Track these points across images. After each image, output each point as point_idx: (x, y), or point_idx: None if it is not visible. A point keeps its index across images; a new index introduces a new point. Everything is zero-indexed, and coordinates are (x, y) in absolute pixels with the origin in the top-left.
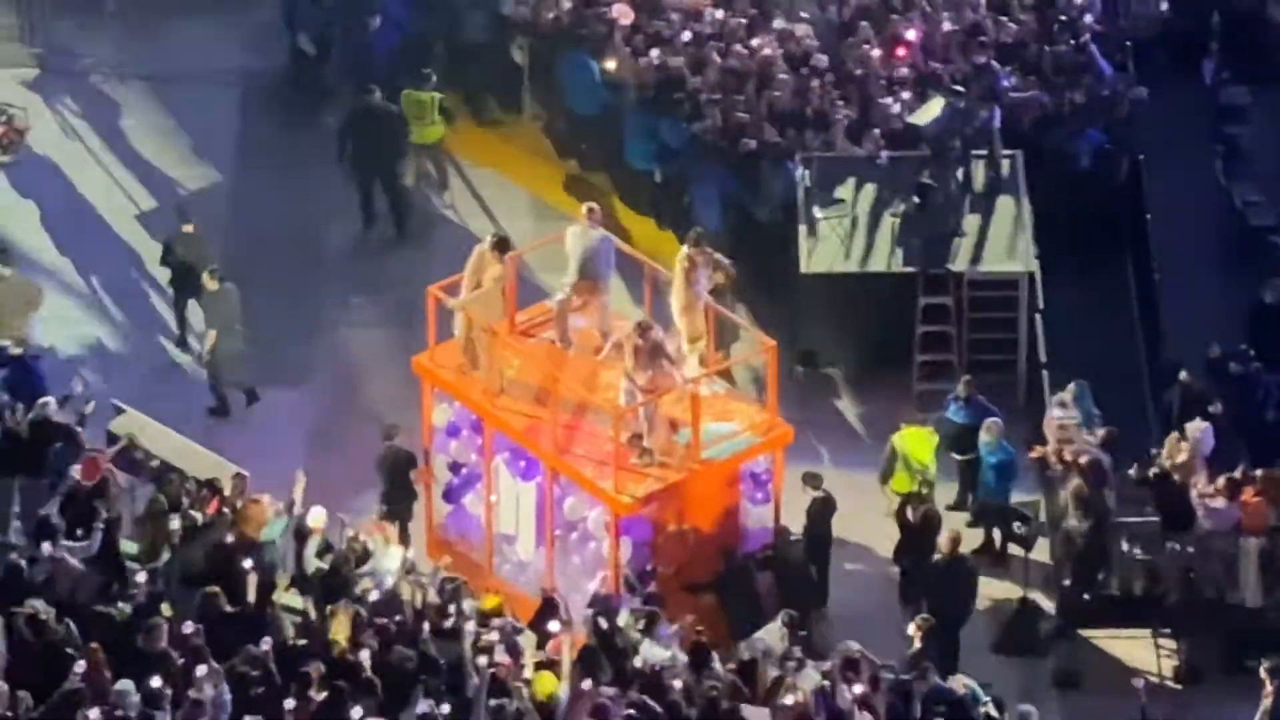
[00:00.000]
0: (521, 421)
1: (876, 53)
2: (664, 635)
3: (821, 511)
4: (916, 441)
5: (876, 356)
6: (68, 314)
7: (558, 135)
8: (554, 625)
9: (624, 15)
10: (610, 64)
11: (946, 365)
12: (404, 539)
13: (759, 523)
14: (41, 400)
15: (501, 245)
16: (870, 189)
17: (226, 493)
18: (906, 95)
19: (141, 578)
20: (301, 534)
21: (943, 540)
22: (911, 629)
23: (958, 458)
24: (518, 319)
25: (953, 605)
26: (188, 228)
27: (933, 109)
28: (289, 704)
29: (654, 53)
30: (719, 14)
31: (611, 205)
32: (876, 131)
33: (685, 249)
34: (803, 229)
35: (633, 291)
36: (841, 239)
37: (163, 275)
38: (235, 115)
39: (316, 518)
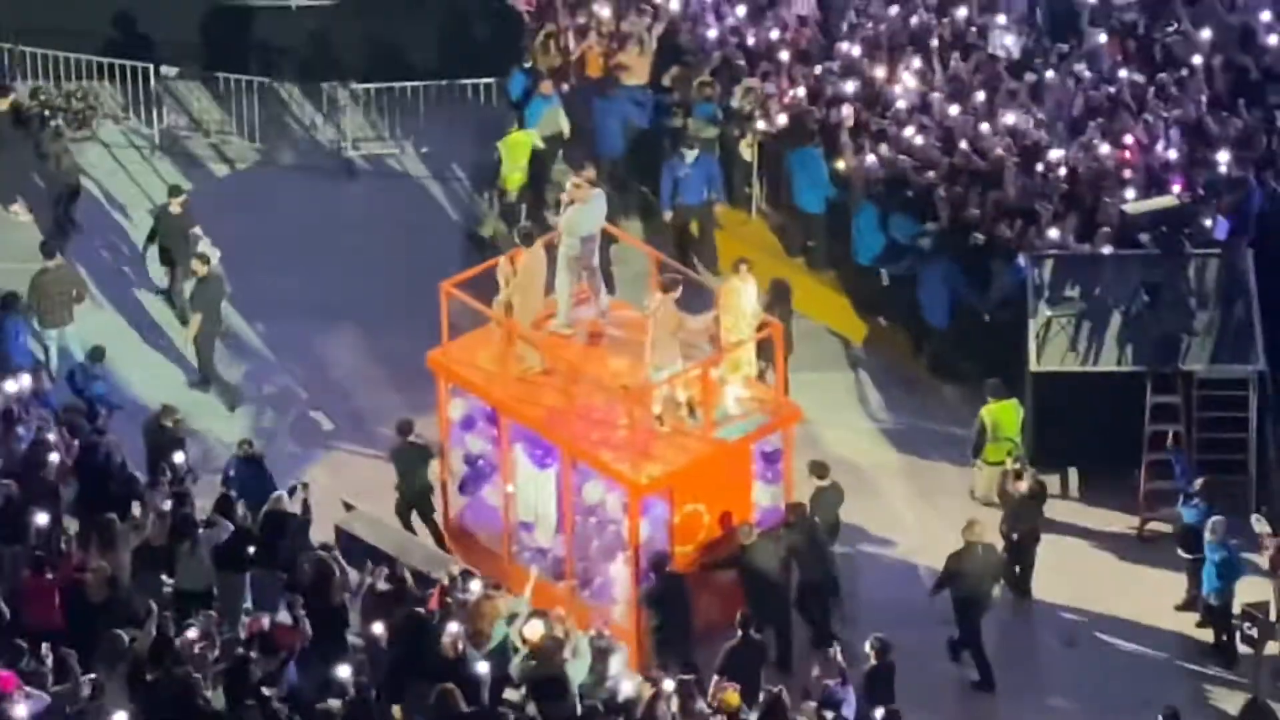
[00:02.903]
0: (536, 411)
1: (1105, 150)
2: None
3: (828, 501)
4: (1005, 413)
5: (1106, 455)
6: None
7: (785, 232)
8: None
9: (850, 114)
10: (839, 162)
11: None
12: (436, 536)
13: (771, 501)
14: (275, 494)
15: (528, 238)
16: (1099, 287)
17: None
18: (1133, 193)
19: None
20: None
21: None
22: (868, 647)
23: (1186, 556)
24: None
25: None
26: (175, 206)
27: (1156, 203)
28: None
29: (882, 149)
30: (951, 109)
31: (839, 302)
32: (1105, 229)
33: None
34: (1032, 327)
35: None
36: (1071, 337)
37: (152, 254)
38: None
39: (534, 630)
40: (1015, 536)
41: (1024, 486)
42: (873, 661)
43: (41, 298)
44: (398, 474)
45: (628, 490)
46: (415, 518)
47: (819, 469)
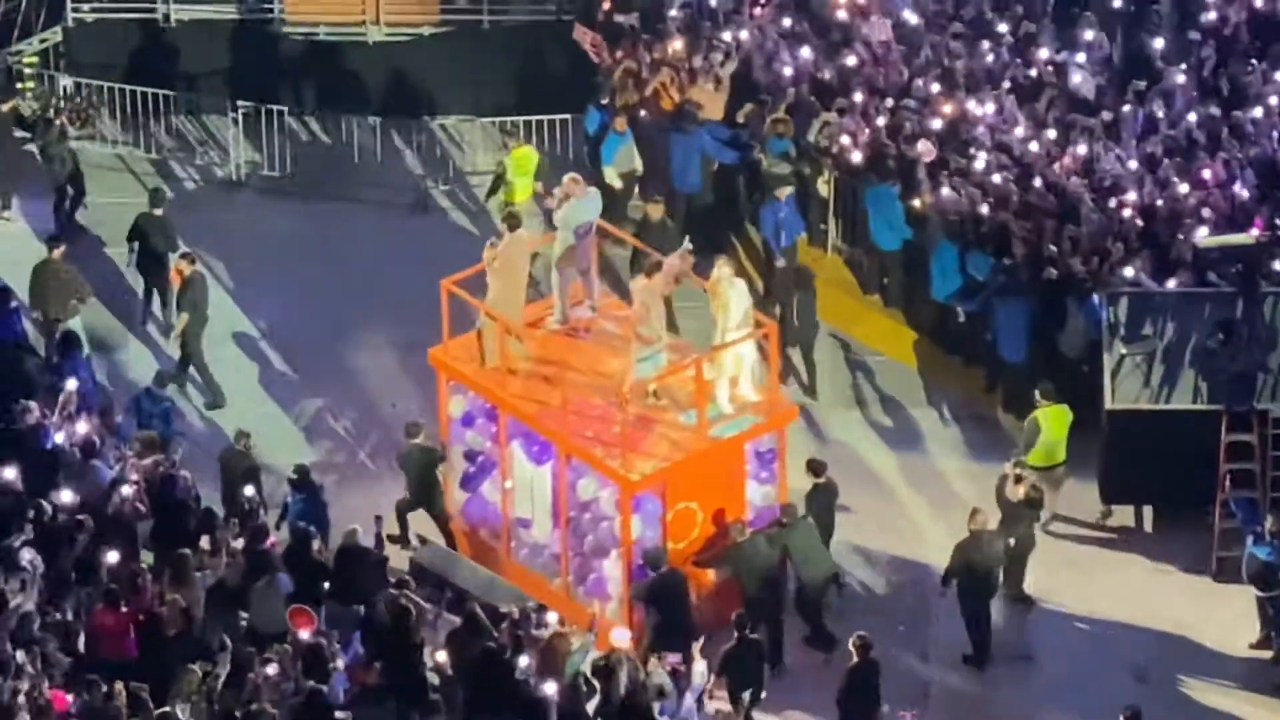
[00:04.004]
0: (533, 407)
1: (1183, 188)
2: None
3: (823, 498)
4: (1058, 419)
5: (1181, 493)
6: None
7: (861, 269)
8: None
9: (928, 151)
10: (915, 200)
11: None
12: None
13: (764, 500)
14: (351, 527)
15: (511, 220)
16: (1175, 324)
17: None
18: (1206, 230)
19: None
20: (606, 671)
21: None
22: (851, 645)
23: (1260, 594)
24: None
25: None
26: (156, 211)
27: (1231, 239)
28: None
29: (959, 186)
30: (1028, 147)
31: (914, 338)
32: (1180, 267)
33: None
34: (1107, 364)
35: None
36: (1146, 375)
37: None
38: None
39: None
40: (1011, 541)
41: (1020, 492)
42: (855, 659)
43: (40, 288)
44: (406, 476)
45: (619, 486)
46: (424, 521)
47: (815, 466)
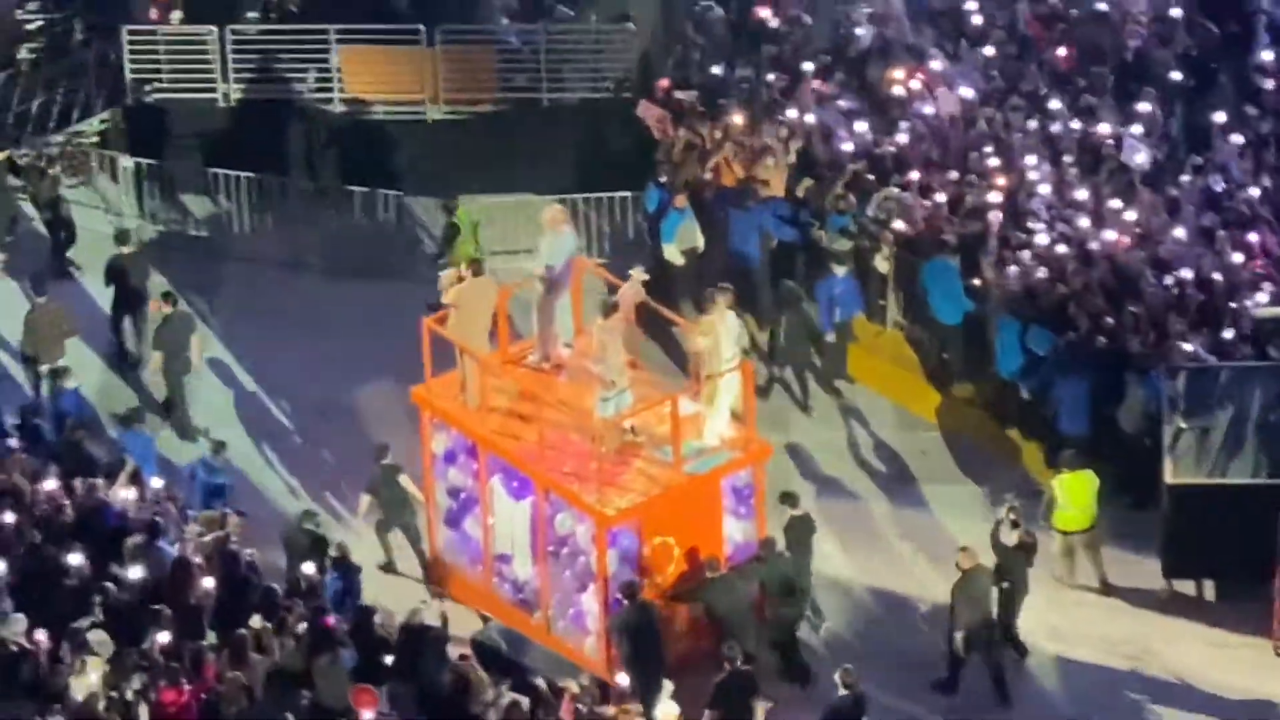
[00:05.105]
0: (512, 443)
1: (1239, 260)
2: None
3: (799, 531)
4: (1077, 484)
5: (1241, 567)
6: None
7: (921, 345)
8: None
9: (991, 224)
10: (977, 276)
11: None
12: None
13: (744, 536)
14: (415, 605)
15: (475, 268)
16: (1234, 399)
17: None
18: (1265, 300)
19: None
20: None
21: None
22: (838, 678)
23: None
24: (509, 350)
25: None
26: (127, 249)
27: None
28: None
29: (1021, 261)
30: (1087, 221)
31: (975, 415)
32: (1239, 341)
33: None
34: (1166, 438)
35: None
36: (1206, 449)
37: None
38: None
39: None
40: (1004, 585)
41: (1015, 538)
42: (841, 691)
43: (33, 334)
44: (377, 497)
45: (595, 521)
46: (399, 541)
47: (790, 499)
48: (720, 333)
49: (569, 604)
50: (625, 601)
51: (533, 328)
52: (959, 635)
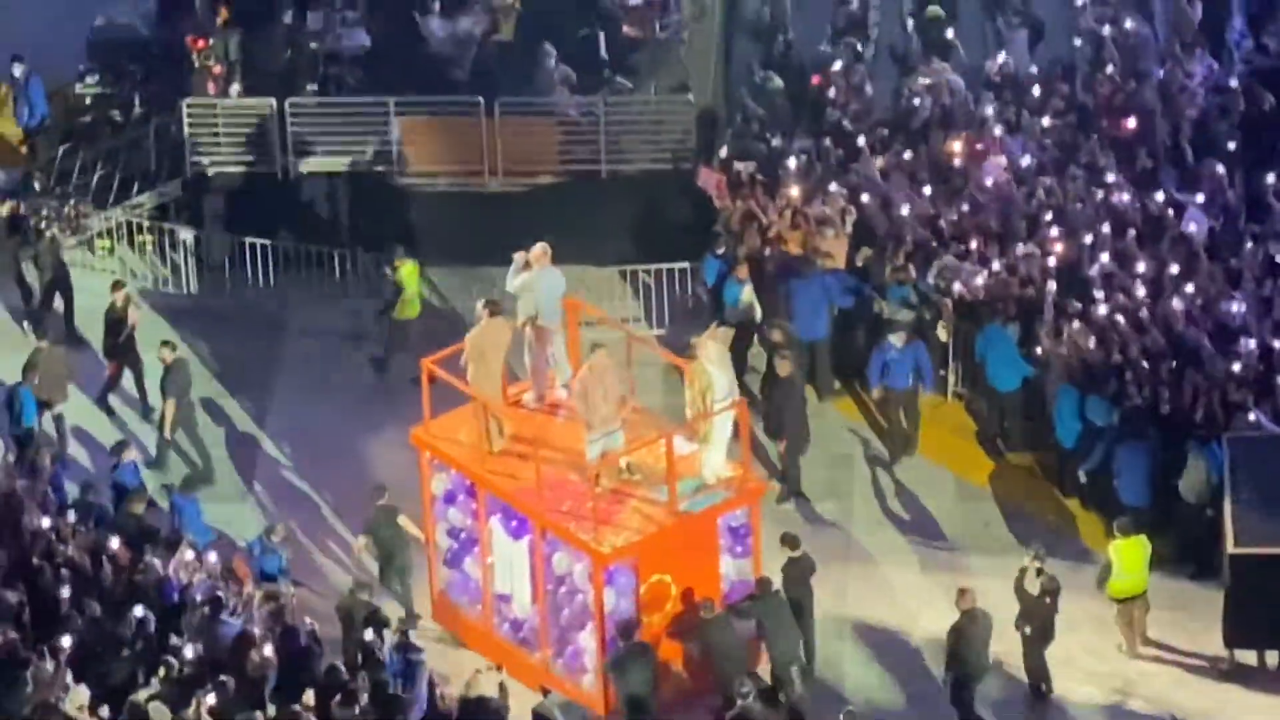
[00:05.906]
0: (510, 483)
1: None
2: None
3: (798, 572)
4: (1130, 550)
5: None
6: None
7: (980, 415)
8: None
9: (1047, 292)
10: (1038, 344)
11: None
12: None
13: (740, 575)
14: (467, 679)
15: (492, 307)
16: None
17: None
18: None
19: None
20: None
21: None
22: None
23: None
24: (510, 391)
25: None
26: (119, 294)
27: None
28: None
29: (1080, 330)
30: (1146, 291)
31: (1034, 484)
32: None
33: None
34: (1228, 508)
35: None
36: (1268, 518)
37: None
38: None
39: None
40: (1028, 631)
41: (1037, 586)
42: None
43: (39, 375)
44: (374, 538)
45: (591, 559)
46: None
47: (790, 541)
48: (714, 371)
49: (567, 642)
50: (622, 641)
51: (526, 368)
52: (949, 675)
